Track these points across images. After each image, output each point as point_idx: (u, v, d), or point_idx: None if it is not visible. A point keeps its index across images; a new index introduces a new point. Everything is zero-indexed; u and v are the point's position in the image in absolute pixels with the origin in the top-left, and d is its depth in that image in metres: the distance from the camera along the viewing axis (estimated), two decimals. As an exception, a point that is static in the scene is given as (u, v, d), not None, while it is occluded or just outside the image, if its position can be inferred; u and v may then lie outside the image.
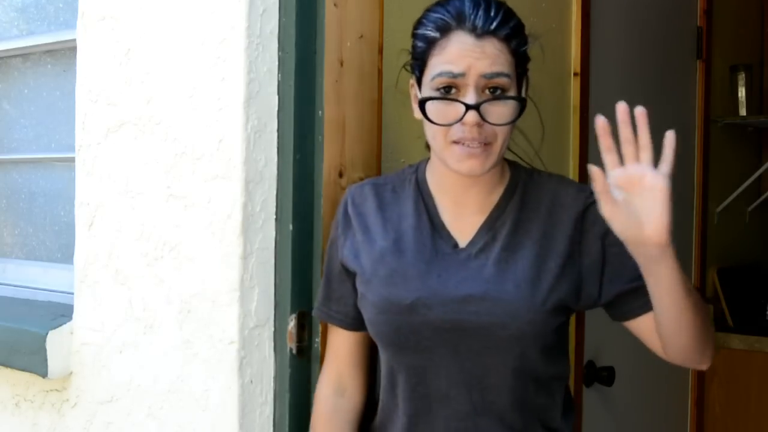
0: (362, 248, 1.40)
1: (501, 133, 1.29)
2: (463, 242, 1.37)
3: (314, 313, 1.51)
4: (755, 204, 3.29)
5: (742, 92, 3.18)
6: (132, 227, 1.71)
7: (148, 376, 1.68)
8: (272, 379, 1.58)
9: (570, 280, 1.35)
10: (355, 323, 1.43)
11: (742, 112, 3.19)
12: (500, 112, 1.28)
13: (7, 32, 2.28)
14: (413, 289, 1.32)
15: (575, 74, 2.29)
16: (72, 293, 1.84)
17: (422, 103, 1.30)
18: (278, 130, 1.58)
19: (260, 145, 1.56)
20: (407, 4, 1.75)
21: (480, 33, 1.27)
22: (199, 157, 1.60)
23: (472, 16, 1.27)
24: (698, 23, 2.92)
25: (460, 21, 1.28)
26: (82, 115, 1.81)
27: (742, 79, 3.17)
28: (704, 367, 1.37)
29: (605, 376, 2.25)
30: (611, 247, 1.34)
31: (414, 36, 1.35)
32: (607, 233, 1.31)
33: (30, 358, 1.82)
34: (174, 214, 1.64)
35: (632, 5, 2.60)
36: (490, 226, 1.37)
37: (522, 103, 1.29)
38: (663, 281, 1.24)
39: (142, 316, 1.69)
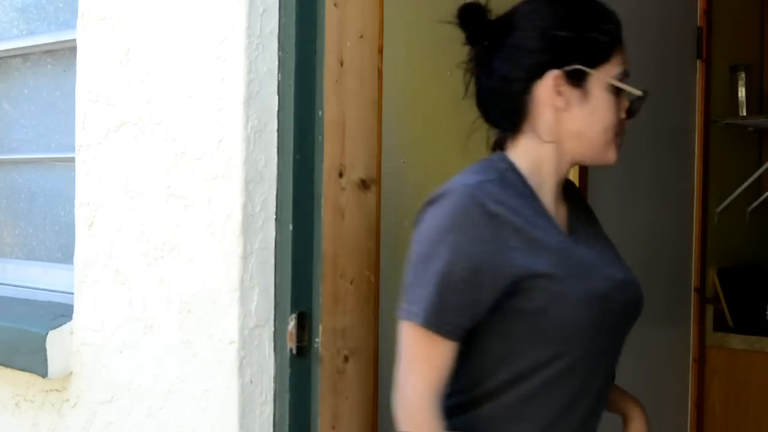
0: (536, 246, 1.31)
1: None
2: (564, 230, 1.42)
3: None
4: (755, 204, 3.29)
5: (742, 92, 3.17)
6: (132, 227, 1.71)
7: (148, 376, 1.67)
8: (272, 379, 1.58)
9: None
10: (464, 334, 1.33)
11: (742, 112, 3.18)
12: None
13: (7, 32, 2.28)
14: (603, 278, 1.37)
15: (575, 74, 2.28)
16: (72, 293, 1.84)
17: (642, 97, 1.45)
18: (278, 130, 1.58)
19: (260, 145, 1.56)
20: (407, 4, 1.75)
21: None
22: (199, 157, 1.60)
23: (621, 26, 1.46)
24: (698, 23, 2.92)
25: (618, 30, 1.45)
26: (82, 115, 1.81)
27: (742, 79, 3.17)
28: None
29: (605, 376, 2.24)
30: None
31: (593, 28, 1.41)
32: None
33: (30, 358, 1.82)
34: (174, 214, 1.63)
35: (632, 5, 2.60)
36: (572, 217, 1.45)
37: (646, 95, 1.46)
38: None
39: (142, 316, 1.68)
